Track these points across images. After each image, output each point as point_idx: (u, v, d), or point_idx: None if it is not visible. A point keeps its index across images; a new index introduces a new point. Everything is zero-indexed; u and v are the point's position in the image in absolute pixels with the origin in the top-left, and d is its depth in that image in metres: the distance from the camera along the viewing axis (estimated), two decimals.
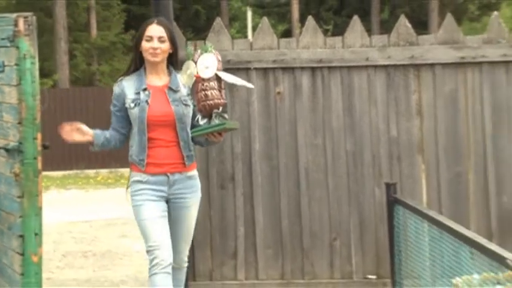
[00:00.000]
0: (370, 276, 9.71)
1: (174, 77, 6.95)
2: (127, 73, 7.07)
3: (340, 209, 9.62)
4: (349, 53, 9.77)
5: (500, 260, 5.70)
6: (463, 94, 9.78)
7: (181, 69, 7.11)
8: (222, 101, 6.43)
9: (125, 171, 29.38)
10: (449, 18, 10.19)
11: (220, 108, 6.42)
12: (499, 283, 7.09)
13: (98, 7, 42.63)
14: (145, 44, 6.79)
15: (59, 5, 37.88)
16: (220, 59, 6.57)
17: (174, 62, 7.05)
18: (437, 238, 7.80)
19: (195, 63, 6.46)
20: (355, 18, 10.18)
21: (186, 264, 7.36)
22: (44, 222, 8.28)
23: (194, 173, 7.16)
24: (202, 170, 9.82)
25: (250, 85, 7.24)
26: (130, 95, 6.85)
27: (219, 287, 9.76)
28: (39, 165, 8.06)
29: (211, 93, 6.32)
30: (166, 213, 6.97)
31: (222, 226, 9.81)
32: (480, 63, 9.75)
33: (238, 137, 9.83)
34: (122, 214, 18.67)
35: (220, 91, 6.45)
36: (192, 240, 9.63)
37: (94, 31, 42.28)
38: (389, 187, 9.16)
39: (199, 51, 6.51)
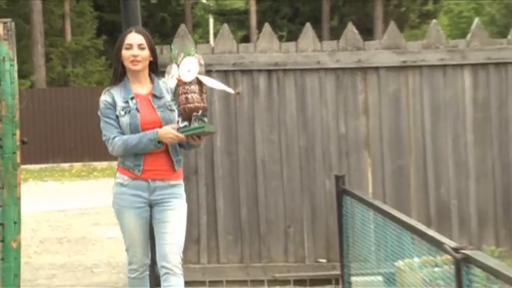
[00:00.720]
0: (321, 260, 9.75)
1: (157, 84, 6.51)
2: (112, 83, 6.53)
3: (294, 198, 9.65)
4: (302, 57, 9.79)
5: (438, 245, 5.74)
6: (405, 95, 9.83)
7: (163, 75, 6.87)
8: (202, 104, 6.01)
9: (98, 164, 29.61)
10: (392, 25, 10.25)
11: (200, 112, 6.01)
12: (437, 265, 7.16)
13: (72, 14, 42.46)
14: (125, 53, 6.30)
15: (36, 12, 37.76)
16: (202, 63, 6.17)
17: (154, 69, 6.58)
18: (382, 225, 7.85)
19: (178, 66, 6.07)
20: (307, 25, 10.21)
21: (179, 270, 6.51)
22: (22, 212, 8.29)
23: (179, 182, 6.59)
24: None
25: (230, 90, 6.87)
26: (119, 103, 6.34)
27: (185, 270, 9.76)
28: (18, 159, 8.11)
29: (192, 97, 5.92)
30: (146, 220, 6.49)
31: (189, 217, 9.81)
32: (420, 66, 9.80)
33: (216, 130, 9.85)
34: (94, 204, 18.73)
35: (201, 95, 6.03)
36: None
37: (68, 36, 42.09)
38: (339, 179, 9.19)
39: (182, 54, 6.10)
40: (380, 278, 8.55)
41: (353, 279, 9.08)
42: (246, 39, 39.47)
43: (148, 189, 6.34)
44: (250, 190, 9.86)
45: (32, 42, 38.16)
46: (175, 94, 6.16)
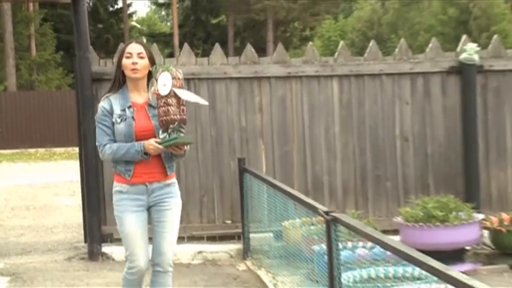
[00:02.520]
0: (227, 221, 9.78)
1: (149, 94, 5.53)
2: (111, 90, 5.55)
3: (207, 175, 9.66)
4: (213, 69, 9.80)
5: (314, 209, 5.81)
6: (290, 97, 9.89)
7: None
8: (178, 116, 5.15)
9: (57, 149, 29.34)
10: (280, 46, 10.32)
11: (176, 123, 5.16)
12: (313, 224, 7.27)
13: (36, 34, 42.09)
14: (125, 61, 5.40)
15: (8, 33, 37.49)
16: (180, 77, 5.23)
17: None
18: (272, 195, 7.91)
19: (156, 80, 5.23)
20: (217, 45, 10.23)
21: (171, 269, 5.65)
22: None
23: (173, 180, 5.66)
24: None
25: (204, 102, 5.67)
26: (117, 110, 5.40)
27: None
28: None
29: (169, 109, 5.11)
30: (145, 223, 5.56)
31: None
32: (301, 76, 9.88)
33: None
34: (54, 180, 18.61)
35: (178, 107, 5.17)
36: (104, 196, 9.67)
37: (34, 51, 41.70)
38: (240, 161, 9.24)
39: (160, 69, 5.27)
40: (271, 234, 8.63)
41: (251, 235, 9.15)
42: (170, 55, 39.26)
43: (146, 192, 5.44)
44: (178, 170, 9.84)
45: (5, 56, 37.80)
46: (156, 107, 5.28)
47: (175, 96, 5.15)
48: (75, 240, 10.32)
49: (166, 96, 5.14)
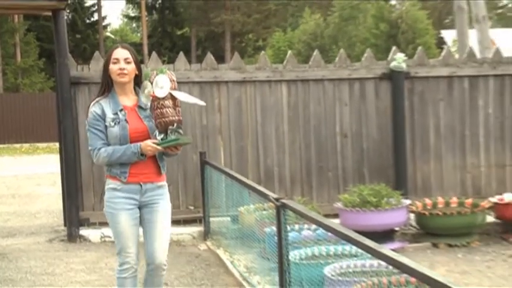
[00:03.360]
0: (190, 207, 9.76)
1: (141, 96, 4.90)
2: (100, 95, 4.94)
3: (172, 167, 9.60)
4: (178, 74, 9.69)
5: (265, 196, 5.82)
6: (245, 99, 9.89)
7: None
8: (176, 118, 4.67)
9: (40, 144, 28.93)
10: (236, 55, 10.31)
11: (175, 125, 4.66)
12: (265, 210, 7.27)
13: (21, 43, 41.64)
14: (113, 67, 4.84)
15: None
16: (174, 79, 4.75)
17: (139, 82, 4.94)
18: (229, 184, 7.90)
19: (151, 83, 4.66)
20: (181, 53, 10.21)
21: (164, 267, 5.08)
22: None
23: (164, 183, 5.06)
24: (87, 144, 9.72)
25: (202, 103, 5.15)
26: (109, 114, 4.82)
27: (97, 215, 9.66)
28: None
29: (166, 111, 4.61)
30: (137, 221, 5.01)
31: (101, 177, 9.69)
32: (254, 81, 9.89)
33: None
34: (37, 171, 18.39)
35: (175, 108, 4.68)
36: (81, 185, 9.61)
37: (19, 58, 41.24)
38: (202, 154, 9.22)
39: (155, 72, 4.73)
40: (228, 218, 8.62)
41: (211, 219, 9.13)
42: (141, 62, 39.01)
43: (140, 192, 4.88)
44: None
45: None
46: (151, 109, 4.75)
47: (172, 97, 4.68)
48: (56, 224, 10.24)
49: (163, 98, 4.64)
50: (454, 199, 9.36)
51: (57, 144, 10.41)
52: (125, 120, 4.83)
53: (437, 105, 10.18)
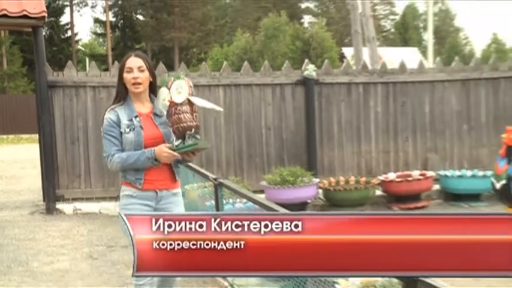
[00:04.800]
0: None
1: (156, 103, 4.04)
2: (115, 103, 4.03)
3: None
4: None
5: (206, 177, 5.79)
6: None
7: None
8: (194, 123, 3.82)
9: (23, 135, 28.12)
10: (183, 64, 10.26)
11: (193, 130, 3.81)
12: (205, 187, 7.17)
13: (7, 54, 40.39)
14: (127, 76, 3.95)
15: None
16: (191, 85, 3.91)
17: (154, 89, 4.10)
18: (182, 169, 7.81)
19: (169, 89, 3.82)
20: None
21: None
22: None
23: (178, 190, 4.18)
24: (62, 135, 9.50)
25: (219, 108, 4.32)
26: (124, 121, 3.92)
27: (70, 192, 9.47)
28: None
29: (184, 117, 3.77)
30: None
31: (73, 162, 9.50)
32: (197, 85, 9.75)
33: (81, 119, 9.55)
34: (21, 157, 17.86)
35: (192, 114, 3.85)
36: (57, 168, 9.41)
37: (5, 66, 40.04)
38: None
39: (172, 78, 3.89)
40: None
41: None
42: (105, 70, 38.45)
43: (156, 199, 3.98)
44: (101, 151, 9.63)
45: None
46: (168, 115, 3.87)
47: (189, 103, 3.83)
48: (36, 200, 9.99)
49: (180, 103, 3.79)
50: (352, 177, 9.50)
51: (37, 135, 10.16)
52: (140, 126, 3.93)
53: (339, 105, 10.28)
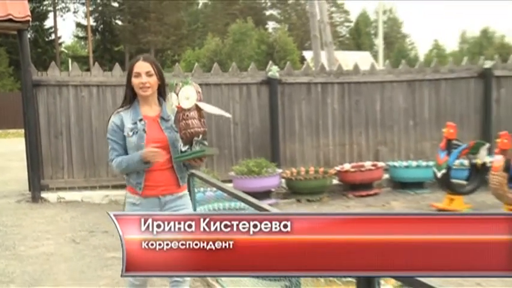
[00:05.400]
0: (124, 176, 9.52)
1: (164, 107, 3.55)
2: (122, 106, 3.57)
3: (103, 148, 9.35)
4: (114, 79, 9.50)
5: None
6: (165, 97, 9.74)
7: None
8: (201, 129, 3.40)
9: (10, 130, 27.57)
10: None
11: (200, 136, 3.38)
12: None
13: None
14: (134, 80, 3.49)
15: None
16: (200, 90, 3.47)
17: (162, 92, 3.63)
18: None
19: (177, 95, 3.39)
20: (117, 64, 9.93)
21: (188, 278, 3.70)
22: None
23: (184, 193, 3.60)
24: (46, 130, 9.35)
25: (228, 114, 3.74)
26: (128, 124, 3.48)
27: (54, 182, 9.33)
28: None
29: (192, 122, 3.35)
30: None
31: (57, 154, 9.35)
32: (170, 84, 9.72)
33: (64, 115, 9.40)
34: (8, 150, 17.48)
35: (200, 120, 3.42)
36: (42, 160, 9.26)
37: None
38: None
39: (180, 84, 3.45)
40: None
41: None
42: (87, 70, 37.95)
43: (159, 205, 3.50)
44: (88, 145, 9.51)
45: None
46: (176, 120, 3.41)
47: (197, 109, 3.40)
48: (23, 190, 9.81)
49: (188, 109, 3.36)
50: (312, 168, 9.55)
51: (23, 130, 9.97)
52: (143, 129, 3.46)
53: (300, 103, 10.30)
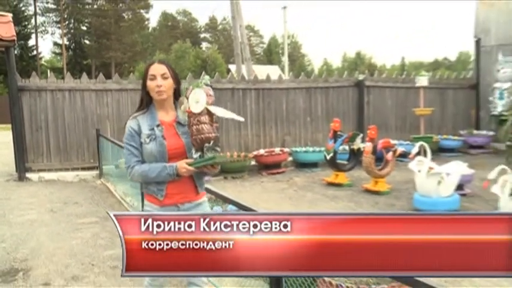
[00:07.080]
0: (91, 160, 9.18)
1: (179, 112, 2.62)
2: (138, 111, 2.63)
3: (81, 137, 9.00)
4: (83, 85, 9.12)
5: None
6: (122, 100, 9.37)
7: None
8: (213, 134, 2.48)
9: (0, 125, 25.68)
10: (117, 75, 9.79)
11: (212, 142, 2.48)
12: None
13: None
14: (150, 83, 2.56)
15: None
16: (211, 94, 2.56)
17: (178, 96, 2.63)
18: (113, 147, 7.47)
19: (187, 98, 2.50)
20: (84, 74, 9.57)
21: (205, 286, 2.70)
22: None
23: (203, 200, 2.66)
24: (29, 124, 8.88)
25: (240, 118, 2.74)
26: (145, 130, 2.55)
27: (36, 165, 8.89)
28: None
29: (203, 128, 2.45)
30: None
31: (38, 143, 8.91)
32: (127, 89, 9.42)
33: (43, 113, 8.96)
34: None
35: (211, 125, 2.51)
36: (26, 148, 8.81)
37: None
38: (97, 130, 8.75)
39: (191, 87, 2.53)
40: (113, 166, 8.19)
41: (103, 167, 8.63)
42: (61, 78, 36.10)
43: None
44: (63, 136, 9.11)
45: None
46: (188, 126, 2.51)
47: (209, 113, 2.51)
48: (11, 171, 9.29)
49: (199, 114, 2.48)
50: (235, 153, 9.56)
51: (10, 125, 9.42)
52: (162, 136, 2.56)
53: (226, 103, 10.21)
